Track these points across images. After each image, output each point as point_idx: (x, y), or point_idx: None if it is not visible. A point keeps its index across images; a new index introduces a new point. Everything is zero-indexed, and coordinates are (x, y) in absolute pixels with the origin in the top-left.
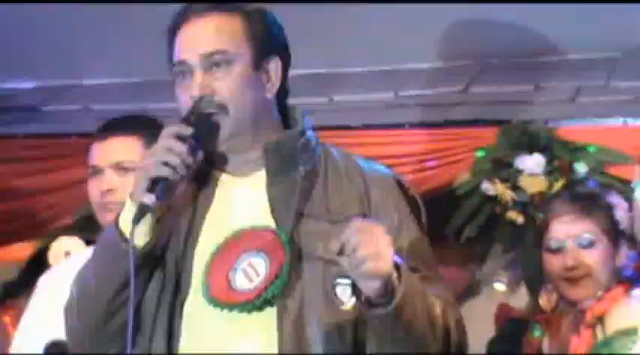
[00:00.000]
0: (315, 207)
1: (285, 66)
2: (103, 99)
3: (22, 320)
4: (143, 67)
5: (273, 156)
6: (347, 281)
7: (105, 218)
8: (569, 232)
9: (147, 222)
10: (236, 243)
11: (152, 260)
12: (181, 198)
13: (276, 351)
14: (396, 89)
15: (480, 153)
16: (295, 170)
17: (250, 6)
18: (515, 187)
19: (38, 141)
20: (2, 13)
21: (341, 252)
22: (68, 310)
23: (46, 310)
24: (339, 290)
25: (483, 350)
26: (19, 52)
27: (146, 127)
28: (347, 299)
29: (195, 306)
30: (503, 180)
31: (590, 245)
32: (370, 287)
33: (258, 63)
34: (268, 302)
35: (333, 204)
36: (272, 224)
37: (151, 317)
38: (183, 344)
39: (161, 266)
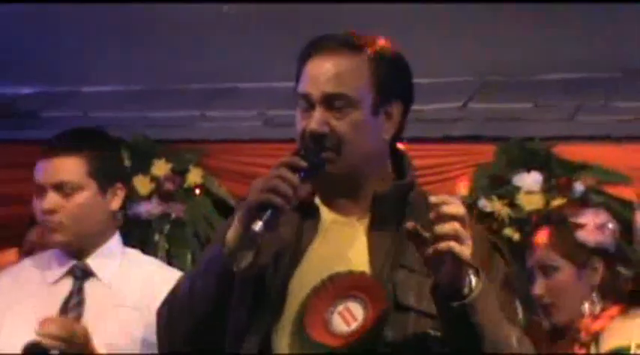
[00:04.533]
0: (412, 259)
1: (406, 110)
2: (102, 107)
3: None
4: (142, 76)
5: (382, 206)
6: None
7: (46, 238)
8: (536, 260)
9: (252, 247)
10: (334, 286)
11: (250, 280)
12: (284, 227)
13: None
14: None
15: (478, 170)
16: (398, 221)
17: (379, 46)
18: (513, 204)
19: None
20: (2, 19)
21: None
22: (162, 316)
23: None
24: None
25: None
26: (19, 59)
27: (94, 144)
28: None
29: (286, 339)
30: (501, 197)
31: (554, 271)
32: (447, 274)
33: (379, 108)
34: (361, 348)
35: None
36: (368, 270)
37: (239, 341)
38: None
39: (258, 291)
